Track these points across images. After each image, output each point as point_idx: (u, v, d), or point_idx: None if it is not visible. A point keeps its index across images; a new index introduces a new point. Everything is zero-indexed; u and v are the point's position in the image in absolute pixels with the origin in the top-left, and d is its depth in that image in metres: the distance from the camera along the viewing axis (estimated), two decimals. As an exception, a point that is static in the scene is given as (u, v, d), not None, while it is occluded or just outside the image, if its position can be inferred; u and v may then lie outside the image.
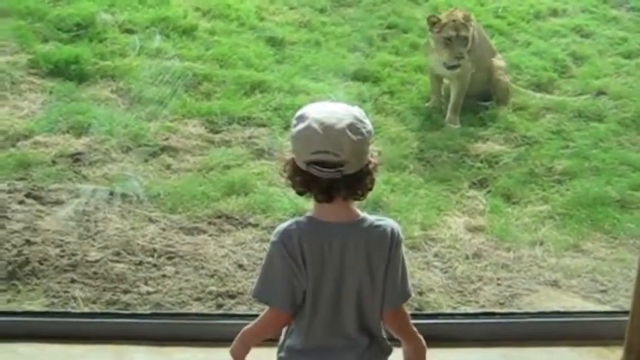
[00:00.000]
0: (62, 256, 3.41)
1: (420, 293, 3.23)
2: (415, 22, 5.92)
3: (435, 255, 3.59)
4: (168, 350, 2.79)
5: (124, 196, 3.88)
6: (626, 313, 2.54)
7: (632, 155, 4.47)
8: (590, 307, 3.26)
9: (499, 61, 5.11)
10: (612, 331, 2.71)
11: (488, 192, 4.17)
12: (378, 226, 1.95)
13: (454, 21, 4.74)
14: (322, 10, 6.05)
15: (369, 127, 1.90)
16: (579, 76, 5.41)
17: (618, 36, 5.97)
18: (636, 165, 4.36)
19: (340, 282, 1.93)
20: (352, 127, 1.85)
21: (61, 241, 3.51)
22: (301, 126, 1.88)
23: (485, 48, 5.06)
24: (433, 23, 4.78)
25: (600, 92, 5.14)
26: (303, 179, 1.91)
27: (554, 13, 6.34)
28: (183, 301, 3.21)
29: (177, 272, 3.37)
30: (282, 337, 2.07)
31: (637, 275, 2.31)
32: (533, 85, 5.29)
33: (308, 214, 1.98)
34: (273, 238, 1.96)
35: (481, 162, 4.41)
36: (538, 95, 5.15)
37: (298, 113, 1.92)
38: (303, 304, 1.96)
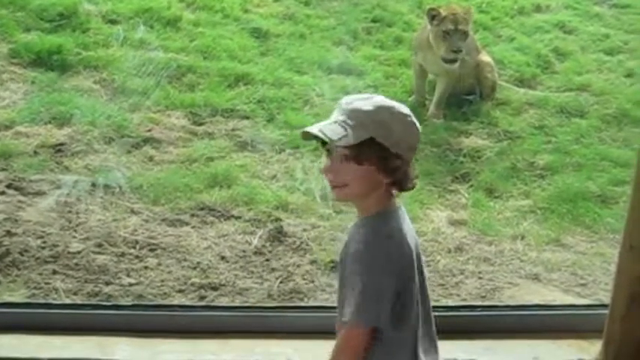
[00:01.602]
0: (43, 248, 3.39)
1: (402, 286, 3.25)
2: (400, 16, 5.94)
3: (418, 248, 3.60)
4: (150, 342, 2.77)
5: (106, 187, 3.86)
6: (605, 306, 2.57)
7: (613, 151, 4.52)
8: (570, 300, 3.29)
9: (485, 58, 5.12)
10: (591, 324, 2.73)
11: (471, 186, 4.19)
12: None
13: (454, 14, 4.72)
14: (307, 3, 6.04)
15: None
16: (562, 72, 5.45)
17: (601, 33, 6.02)
18: (617, 161, 4.40)
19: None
20: None
21: (43, 232, 3.49)
22: (413, 119, 1.88)
23: (471, 45, 5.07)
24: (433, 16, 4.74)
25: (582, 88, 5.19)
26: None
27: (538, 8, 6.38)
28: (165, 293, 3.20)
29: (159, 264, 3.36)
30: None
31: (616, 269, 2.33)
32: (517, 81, 5.32)
33: (382, 209, 1.89)
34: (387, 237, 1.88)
35: (464, 156, 4.44)
36: (521, 90, 5.18)
37: (405, 109, 1.88)
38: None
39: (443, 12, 4.75)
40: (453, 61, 4.75)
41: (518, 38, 5.84)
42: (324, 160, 1.96)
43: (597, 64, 5.57)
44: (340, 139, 1.81)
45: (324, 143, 1.88)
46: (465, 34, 4.77)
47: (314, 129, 1.84)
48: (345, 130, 1.81)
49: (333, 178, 1.88)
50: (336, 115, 1.86)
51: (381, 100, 1.88)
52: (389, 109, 1.85)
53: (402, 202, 1.95)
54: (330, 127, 1.83)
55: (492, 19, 6.09)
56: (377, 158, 1.83)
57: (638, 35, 5.97)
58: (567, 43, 5.82)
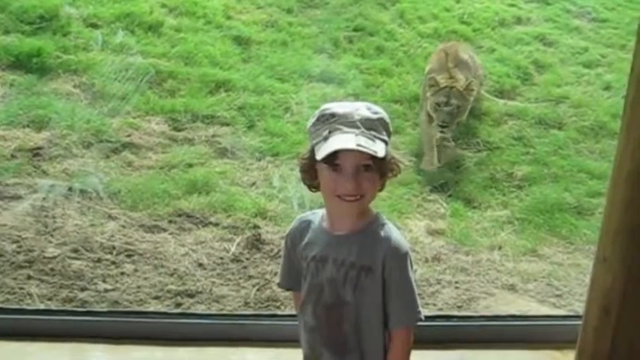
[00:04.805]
0: (19, 252, 3.36)
1: (379, 295, 3.25)
2: (382, 25, 5.96)
3: (395, 257, 3.60)
4: (125, 348, 2.76)
5: (83, 192, 3.83)
6: (579, 317, 2.59)
7: (589, 163, 4.56)
8: (546, 311, 3.31)
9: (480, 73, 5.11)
10: (566, 335, 2.74)
11: (450, 196, 4.21)
12: None
13: (450, 87, 4.54)
14: (289, 11, 6.05)
15: None
16: (541, 84, 5.50)
17: (580, 46, 6.09)
18: (593, 172, 4.44)
19: None
20: None
21: (18, 236, 3.46)
22: None
23: (476, 72, 4.99)
24: (431, 85, 4.61)
25: (561, 100, 5.24)
26: None
27: (519, 21, 6.44)
28: (141, 300, 3.19)
29: (136, 270, 3.35)
30: None
31: (589, 281, 2.35)
32: (497, 92, 5.36)
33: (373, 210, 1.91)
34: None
35: (443, 166, 4.46)
36: (501, 101, 5.22)
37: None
38: None
39: (441, 82, 4.59)
40: (444, 131, 4.59)
41: (498, 50, 5.89)
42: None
43: (576, 77, 5.63)
44: (376, 152, 1.76)
45: (326, 158, 1.78)
46: (458, 107, 4.56)
47: (350, 145, 1.74)
48: (374, 141, 1.77)
49: (356, 191, 1.80)
50: (348, 128, 1.77)
51: (372, 105, 1.86)
52: (383, 113, 1.85)
53: (382, 211, 1.95)
54: (362, 140, 1.75)
55: (474, 31, 6.13)
56: (387, 164, 1.84)
57: (616, 49, 6.04)
58: (547, 56, 5.88)
